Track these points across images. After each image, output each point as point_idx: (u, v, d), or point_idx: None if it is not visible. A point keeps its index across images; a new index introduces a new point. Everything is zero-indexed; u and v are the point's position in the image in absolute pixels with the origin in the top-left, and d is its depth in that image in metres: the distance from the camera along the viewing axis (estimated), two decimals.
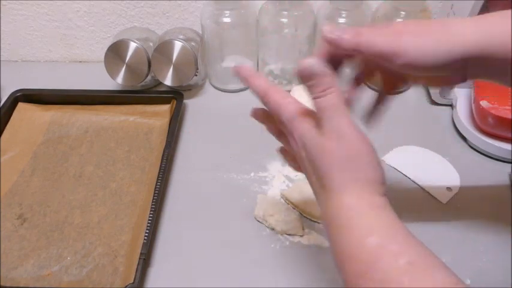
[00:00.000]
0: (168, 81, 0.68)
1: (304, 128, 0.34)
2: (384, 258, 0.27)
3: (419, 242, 0.29)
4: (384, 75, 0.41)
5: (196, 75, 0.69)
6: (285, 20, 0.65)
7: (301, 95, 0.38)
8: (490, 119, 0.59)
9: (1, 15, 0.76)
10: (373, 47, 0.33)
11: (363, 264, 0.28)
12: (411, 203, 0.57)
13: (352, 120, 0.33)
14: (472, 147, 0.63)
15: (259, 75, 0.38)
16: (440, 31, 0.32)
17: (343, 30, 0.33)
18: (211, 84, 0.75)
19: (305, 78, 0.33)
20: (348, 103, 0.41)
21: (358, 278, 0.28)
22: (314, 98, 0.33)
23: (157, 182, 0.55)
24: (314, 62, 0.32)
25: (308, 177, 0.36)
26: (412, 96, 0.71)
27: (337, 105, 0.32)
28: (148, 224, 0.51)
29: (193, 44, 0.68)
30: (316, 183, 0.35)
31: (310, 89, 0.33)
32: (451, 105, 0.69)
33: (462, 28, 0.32)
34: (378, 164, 0.33)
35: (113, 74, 0.68)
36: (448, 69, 0.33)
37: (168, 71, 0.67)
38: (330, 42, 0.34)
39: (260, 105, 0.40)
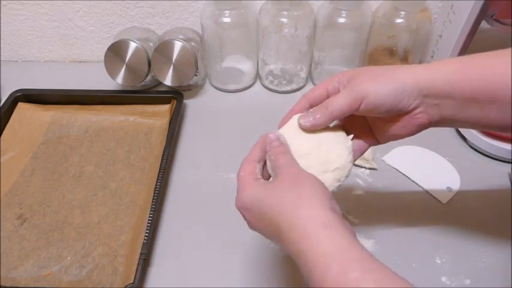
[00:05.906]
0: (168, 81, 0.68)
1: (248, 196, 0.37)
2: (348, 286, 0.28)
3: (378, 265, 0.29)
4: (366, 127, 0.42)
5: (196, 75, 0.69)
6: (285, 20, 0.65)
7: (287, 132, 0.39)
8: None
9: (1, 15, 0.76)
10: (342, 108, 0.37)
11: None
12: (411, 203, 0.57)
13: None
14: (472, 147, 0.63)
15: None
16: (389, 76, 0.36)
17: (314, 112, 0.38)
18: (211, 84, 0.75)
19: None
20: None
21: None
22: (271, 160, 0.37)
23: (157, 182, 0.55)
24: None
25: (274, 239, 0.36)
26: None
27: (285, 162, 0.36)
28: (148, 224, 0.51)
29: (193, 44, 0.68)
30: (275, 231, 0.34)
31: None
32: None
33: (405, 72, 0.36)
34: (318, 182, 0.34)
35: (113, 74, 0.68)
36: (404, 106, 0.36)
37: (168, 71, 0.67)
38: (311, 128, 0.38)
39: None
